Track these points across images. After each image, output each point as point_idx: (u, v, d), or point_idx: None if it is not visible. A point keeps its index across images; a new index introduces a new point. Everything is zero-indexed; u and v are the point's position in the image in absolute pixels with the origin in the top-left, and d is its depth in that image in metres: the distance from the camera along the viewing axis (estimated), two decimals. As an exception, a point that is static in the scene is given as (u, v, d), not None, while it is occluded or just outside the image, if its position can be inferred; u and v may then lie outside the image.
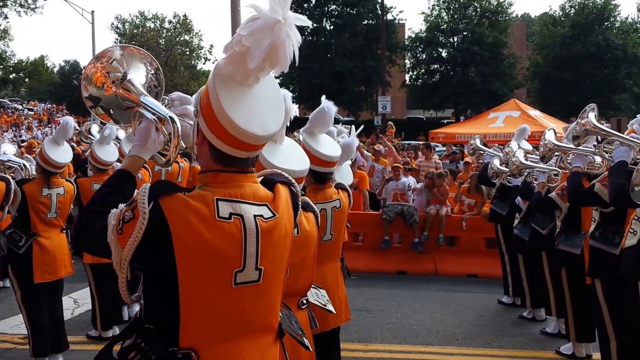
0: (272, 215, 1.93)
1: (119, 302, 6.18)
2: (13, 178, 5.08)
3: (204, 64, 54.10)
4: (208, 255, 1.80)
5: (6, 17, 52.05)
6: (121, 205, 1.89)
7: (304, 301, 3.02)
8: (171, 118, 2.19)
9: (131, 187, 2.12)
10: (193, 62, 52.38)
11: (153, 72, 2.50)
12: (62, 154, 5.15)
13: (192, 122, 2.22)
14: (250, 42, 1.73)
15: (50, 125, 37.13)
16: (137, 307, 6.33)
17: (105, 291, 5.96)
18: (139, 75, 2.45)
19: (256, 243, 1.87)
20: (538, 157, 6.32)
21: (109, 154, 5.86)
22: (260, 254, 1.88)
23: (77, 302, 7.43)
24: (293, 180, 2.13)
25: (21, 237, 5.04)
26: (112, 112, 2.50)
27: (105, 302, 5.98)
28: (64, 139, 5.22)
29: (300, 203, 2.13)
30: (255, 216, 1.88)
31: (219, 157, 1.89)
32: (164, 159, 2.28)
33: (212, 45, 56.95)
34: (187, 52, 51.51)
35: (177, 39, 52.67)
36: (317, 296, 3.27)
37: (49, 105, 48.08)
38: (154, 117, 2.23)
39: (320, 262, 3.60)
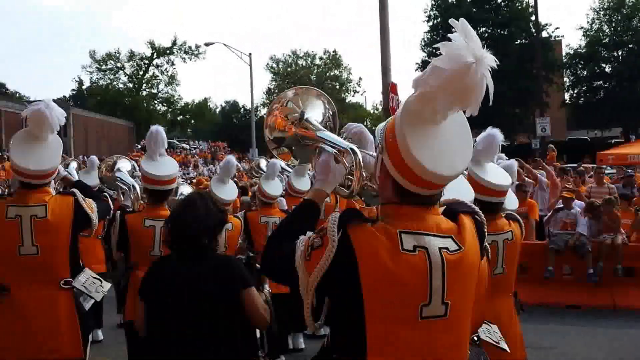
0: (457, 248, 1.87)
1: (285, 331, 6.36)
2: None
3: (352, 96, 55.64)
4: (394, 287, 1.78)
5: (173, 64, 58.00)
6: (309, 233, 1.93)
7: (475, 338, 2.88)
8: (352, 150, 2.20)
9: (316, 217, 2.18)
10: (342, 95, 53.97)
11: (331, 113, 2.55)
12: (228, 192, 5.45)
13: (372, 153, 2.23)
14: (442, 91, 1.71)
15: (214, 163, 39.90)
16: (301, 338, 6.37)
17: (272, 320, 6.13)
18: (315, 113, 2.51)
19: (442, 276, 1.82)
20: None
21: (274, 188, 6.14)
22: (447, 287, 1.83)
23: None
24: (477, 209, 2.06)
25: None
26: (293, 150, 2.58)
27: (272, 331, 6.16)
28: (228, 177, 5.53)
29: (486, 232, 2.04)
30: (440, 249, 1.83)
31: (401, 192, 1.87)
32: (347, 191, 2.29)
33: (360, 78, 58.45)
34: (337, 86, 53.22)
35: (327, 74, 54.68)
36: (489, 332, 3.11)
37: (212, 144, 51.82)
38: (334, 151, 2.26)
39: (492, 297, 3.44)
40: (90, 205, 3.76)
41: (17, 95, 61.73)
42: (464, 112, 1.83)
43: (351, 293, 1.79)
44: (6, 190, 9.92)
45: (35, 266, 3.56)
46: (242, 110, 54.21)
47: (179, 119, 60.96)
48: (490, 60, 1.72)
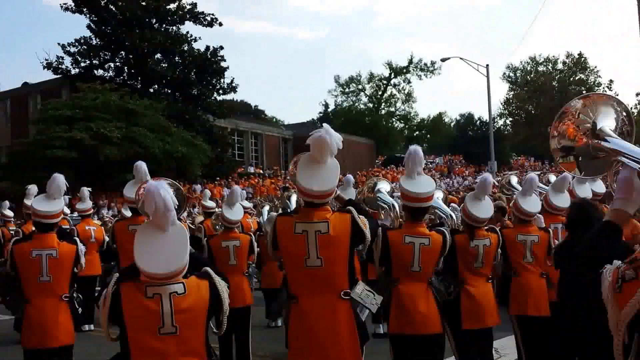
0: None
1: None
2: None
3: (603, 101, 51.11)
4: None
5: (409, 82, 59.49)
6: (616, 262, 1.81)
7: None
8: None
9: (619, 239, 2.03)
10: (590, 101, 49.87)
11: (625, 114, 2.35)
12: (484, 209, 5.39)
13: None
14: None
15: (450, 176, 39.65)
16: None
17: (532, 346, 5.91)
18: (609, 121, 2.33)
19: None
20: None
21: (532, 205, 5.92)
22: None
23: (498, 352, 7.52)
24: None
25: (450, 284, 5.40)
26: (580, 160, 2.44)
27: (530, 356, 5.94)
28: (484, 194, 5.46)
29: None
30: None
31: None
32: None
33: (611, 81, 53.15)
34: (584, 91, 49.32)
35: (571, 78, 50.99)
36: None
37: (449, 157, 51.58)
38: (638, 166, 2.06)
39: None
40: (364, 222, 3.96)
41: (274, 120, 68.77)
42: None
43: None
44: (269, 205, 11.01)
45: (319, 277, 3.85)
46: (477, 122, 52.88)
47: (415, 134, 62.13)
48: None
